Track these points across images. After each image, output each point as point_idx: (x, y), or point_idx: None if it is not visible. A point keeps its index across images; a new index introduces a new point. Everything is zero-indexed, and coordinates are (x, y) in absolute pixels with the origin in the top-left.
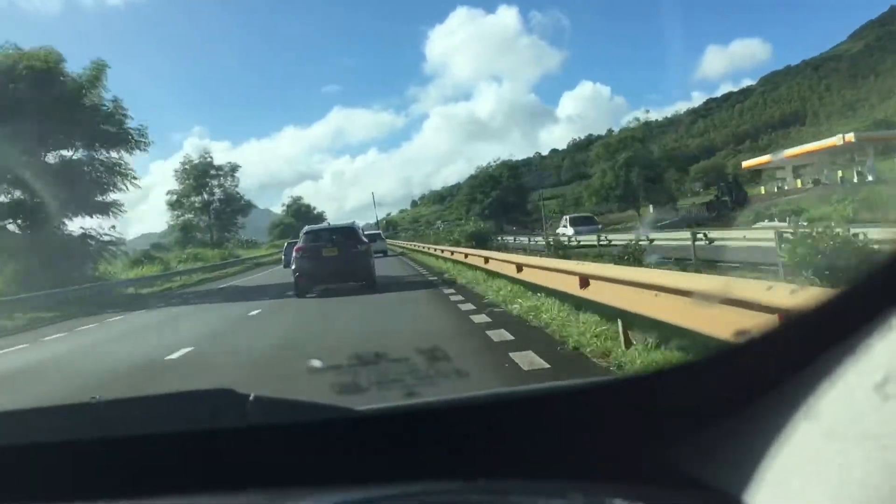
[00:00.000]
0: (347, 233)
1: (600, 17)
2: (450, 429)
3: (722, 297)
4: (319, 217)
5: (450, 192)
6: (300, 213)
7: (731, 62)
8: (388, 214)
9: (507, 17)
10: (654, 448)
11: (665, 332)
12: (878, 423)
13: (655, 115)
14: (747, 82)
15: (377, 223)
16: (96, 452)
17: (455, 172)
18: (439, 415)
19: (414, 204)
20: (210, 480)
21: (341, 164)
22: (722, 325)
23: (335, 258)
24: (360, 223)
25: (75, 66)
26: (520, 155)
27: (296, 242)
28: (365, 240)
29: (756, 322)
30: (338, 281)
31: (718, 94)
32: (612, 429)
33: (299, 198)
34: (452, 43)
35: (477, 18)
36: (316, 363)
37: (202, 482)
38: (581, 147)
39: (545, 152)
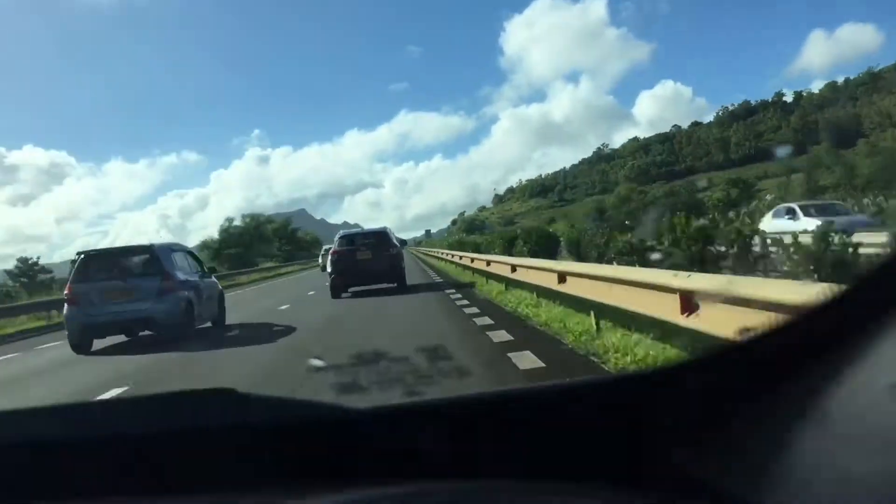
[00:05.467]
0: (380, 237)
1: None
2: (450, 428)
3: None
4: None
5: (554, 181)
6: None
7: (837, 51)
8: (462, 214)
9: (595, 6)
10: (654, 447)
11: None
12: (884, 423)
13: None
14: (840, 78)
15: (461, 217)
16: (96, 452)
17: (524, 179)
18: (440, 414)
19: (498, 199)
20: (210, 480)
21: (404, 171)
22: None
23: (369, 261)
24: (420, 232)
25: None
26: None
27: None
28: (396, 243)
29: None
30: (371, 283)
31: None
32: (613, 428)
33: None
34: (532, 35)
35: (560, 8)
36: (317, 362)
37: (203, 481)
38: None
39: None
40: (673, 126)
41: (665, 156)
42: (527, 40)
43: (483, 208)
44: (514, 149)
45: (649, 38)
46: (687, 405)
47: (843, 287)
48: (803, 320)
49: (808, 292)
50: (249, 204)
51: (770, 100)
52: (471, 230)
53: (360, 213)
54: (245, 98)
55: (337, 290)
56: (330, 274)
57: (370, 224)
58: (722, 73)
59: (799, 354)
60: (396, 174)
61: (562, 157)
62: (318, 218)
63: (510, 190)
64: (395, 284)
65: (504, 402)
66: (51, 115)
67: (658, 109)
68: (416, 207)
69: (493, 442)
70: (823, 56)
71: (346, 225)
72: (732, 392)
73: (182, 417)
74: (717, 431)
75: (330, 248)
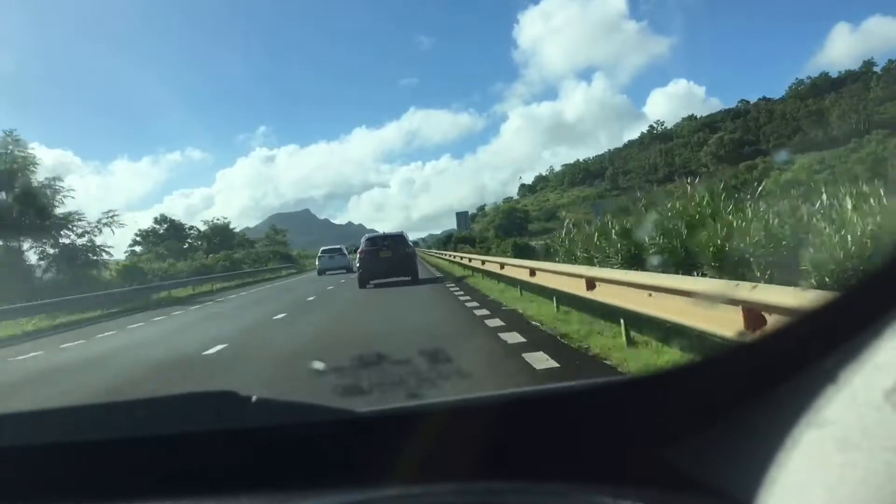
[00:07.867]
0: (398, 239)
1: None
2: (450, 430)
3: None
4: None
5: (600, 165)
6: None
7: (863, 45)
8: (483, 207)
9: None
10: (655, 448)
11: None
12: (883, 425)
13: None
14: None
15: (483, 209)
16: (98, 454)
17: (557, 166)
18: (440, 416)
19: (527, 189)
20: (212, 482)
21: (411, 170)
22: None
23: (389, 258)
24: (426, 233)
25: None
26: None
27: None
28: (411, 244)
29: None
30: (391, 276)
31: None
32: (613, 429)
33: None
34: (547, 27)
35: None
36: (318, 365)
37: (204, 484)
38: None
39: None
40: (740, 101)
41: (739, 133)
42: (542, 33)
43: (509, 199)
44: (523, 148)
45: (668, 33)
46: (687, 407)
47: (842, 290)
48: (802, 323)
49: None
50: (255, 204)
51: (858, 70)
52: (511, 225)
53: (365, 214)
54: (250, 93)
55: (363, 282)
56: (358, 268)
57: (374, 225)
58: (738, 70)
59: (798, 356)
60: (403, 174)
61: (571, 157)
62: (322, 218)
63: (540, 178)
64: (410, 278)
65: (503, 404)
66: (56, 114)
67: (670, 108)
68: (423, 208)
69: (492, 443)
70: (848, 51)
71: (350, 226)
72: (733, 394)
73: (182, 420)
74: (718, 433)
75: (327, 250)
